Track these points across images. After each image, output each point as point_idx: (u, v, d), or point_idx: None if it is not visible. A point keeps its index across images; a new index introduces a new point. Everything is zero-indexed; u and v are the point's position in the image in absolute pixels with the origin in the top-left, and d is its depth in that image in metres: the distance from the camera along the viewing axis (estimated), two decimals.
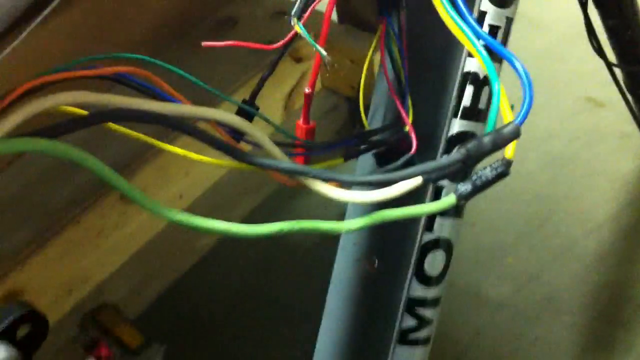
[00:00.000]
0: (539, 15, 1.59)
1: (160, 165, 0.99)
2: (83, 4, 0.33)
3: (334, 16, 1.22)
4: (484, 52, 0.37)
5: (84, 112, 0.33)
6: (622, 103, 0.96)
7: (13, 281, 0.84)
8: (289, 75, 1.09)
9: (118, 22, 0.91)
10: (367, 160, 0.46)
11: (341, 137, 0.44)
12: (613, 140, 1.32)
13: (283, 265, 1.24)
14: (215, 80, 0.99)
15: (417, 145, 0.42)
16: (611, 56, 0.88)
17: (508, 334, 1.14)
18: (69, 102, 0.30)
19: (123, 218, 0.95)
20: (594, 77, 0.91)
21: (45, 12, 0.33)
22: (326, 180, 0.36)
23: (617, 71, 0.90)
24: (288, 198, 1.27)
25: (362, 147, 0.44)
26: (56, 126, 0.29)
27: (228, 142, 0.35)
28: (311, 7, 0.41)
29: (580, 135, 1.36)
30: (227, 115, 0.36)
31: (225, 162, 0.38)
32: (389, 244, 0.48)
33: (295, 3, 0.41)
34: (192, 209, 1.03)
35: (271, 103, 1.07)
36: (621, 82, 0.89)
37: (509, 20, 0.44)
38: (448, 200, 0.37)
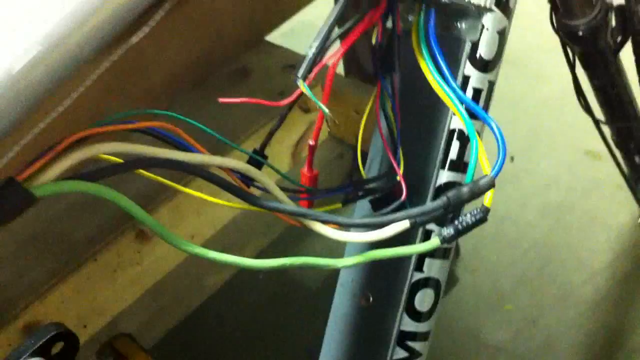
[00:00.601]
0: (542, 68, 1.65)
1: (173, 207, 1.05)
2: (112, 64, 0.38)
3: (341, 69, 1.28)
4: (465, 114, 0.43)
5: (118, 160, 0.38)
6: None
7: (32, 313, 0.89)
8: (297, 124, 1.14)
9: (140, 75, 0.98)
10: (364, 204, 0.52)
11: (340, 184, 0.49)
12: (609, 192, 1.37)
13: (290, 304, 1.28)
14: (230, 125, 1.05)
15: (408, 193, 0.47)
16: (600, 113, 0.94)
17: None
18: (109, 151, 0.36)
19: (137, 256, 1.00)
20: (592, 131, 0.96)
21: (94, 74, 0.39)
22: (324, 222, 0.41)
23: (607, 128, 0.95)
24: (295, 240, 1.32)
25: (359, 193, 0.49)
26: (98, 171, 0.35)
27: (241, 188, 0.41)
28: (315, 70, 0.47)
29: (578, 185, 1.41)
30: (239, 164, 0.42)
31: (237, 204, 0.43)
32: (382, 282, 0.53)
33: (301, 62, 0.46)
34: (204, 247, 1.08)
35: (280, 151, 1.13)
36: (609, 138, 0.94)
37: (491, 84, 0.50)
38: (433, 242, 0.43)
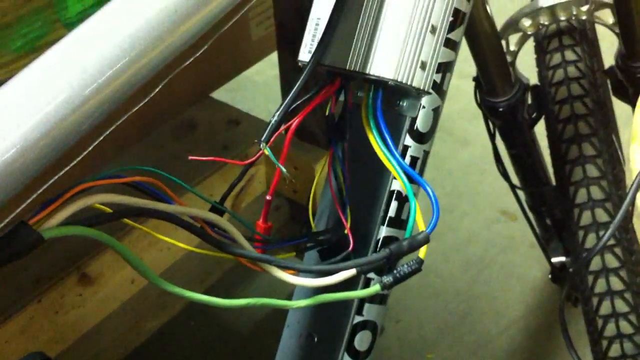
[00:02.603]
0: (465, 134, 1.77)
1: (114, 254, 1.09)
2: None
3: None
4: (405, 179, 0.50)
5: (109, 209, 0.44)
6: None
7: None
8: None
9: None
10: (312, 254, 0.58)
11: (294, 235, 0.56)
12: (523, 250, 1.48)
13: (222, 349, 1.33)
14: (176, 175, 1.11)
15: (353, 245, 0.54)
16: (516, 179, 1.04)
17: None
18: (104, 201, 0.42)
19: (80, 299, 1.03)
20: (509, 193, 1.05)
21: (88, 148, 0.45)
22: (284, 268, 0.47)
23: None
24: (229, 288, 1.37)
25: (310, 244, 0.56)
26: (95, 217, 0.41)
27: (214, 236, 0.47)
28: (275, 134, 0.53)
29: (496, 243, 1.52)
30: (211, 214, 0.48)
31: (207, 251, 0.49)
32: (326, 323, 0.59)
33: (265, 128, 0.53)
34: (143, 292, 1.12)
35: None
36: (524, 202, 1.04)
37: (426, 153, 0.58)
38: (374, 288, 0.50)
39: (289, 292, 0.60)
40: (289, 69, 1.22)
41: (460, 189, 1.64)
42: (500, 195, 1.56)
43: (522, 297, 1.42)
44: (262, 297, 0.48)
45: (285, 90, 1.28)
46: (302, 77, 0.51)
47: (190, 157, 0.54)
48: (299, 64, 0.53)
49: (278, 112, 0.51)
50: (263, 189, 1.32)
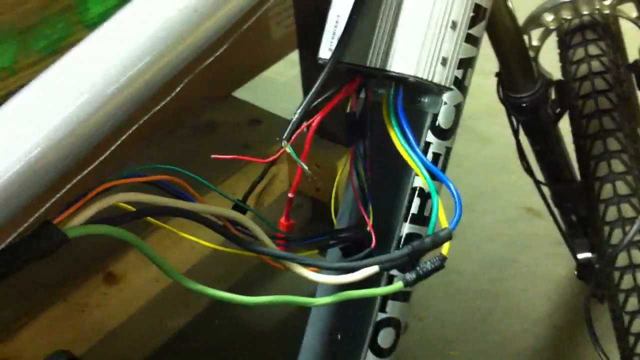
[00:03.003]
0: (485, 131, 1.76)
1: (139, 253, 1.10)
2: None
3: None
4: (427, 175, 0.50)
5: (132, 208, 0.44)
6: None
7: (3, 350, 0.92)
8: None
9: None
10: (334, 251, 0.58)
11: (316, 233, 0.56)
12: (548, 247, 1.47)
13: (245, 349, 1.33)
14: (196, 175, 1.11)
15: (376, 242, 0.54)
16: (540, 175, 1.03)
17: None
18: (127, 200, 0.42)
19: (105, 297, 1.04)
20: (533, 190, 1.05)
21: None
22: (307, 265, 0.47)
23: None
24: (250, 287, 1.37)
25: (332, 241, 0.56)
26: (119, 217, 0.41)
27: (236, 235, 0.47)
28: (297, 132, 0.54)
29: (519, 240, 1.51)
30: (234, 213, 0.48)
31: (231, 250, 0.49)
32: (349, 321, 0.59)
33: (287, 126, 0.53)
34: (168, 291, 1.13)
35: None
36: (549, 198, 1.03)
37: (448, 149, 0.57)
38: (397, 285, 0.49)
39: (310, 291, 0.60)
40: (310, 67, 1.23)
41: (482, 187, 1.63)
42: (523, 192, 1.54)
43: (547, 294, 1.41)
44: (285, 295, 0.48)
45: (306, 88, 1.29)
46: (322, 75, 0.52)
47: (212, 156, 0.54)
48: (320, 61, 0.53)
49: (299, 110, 0.51)
50: (285, 188, 1.32)
